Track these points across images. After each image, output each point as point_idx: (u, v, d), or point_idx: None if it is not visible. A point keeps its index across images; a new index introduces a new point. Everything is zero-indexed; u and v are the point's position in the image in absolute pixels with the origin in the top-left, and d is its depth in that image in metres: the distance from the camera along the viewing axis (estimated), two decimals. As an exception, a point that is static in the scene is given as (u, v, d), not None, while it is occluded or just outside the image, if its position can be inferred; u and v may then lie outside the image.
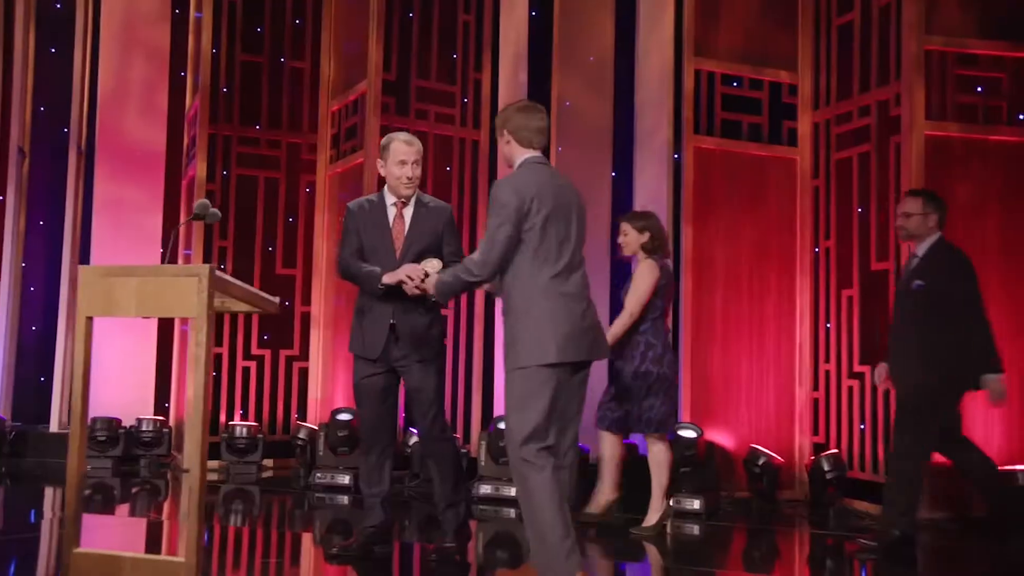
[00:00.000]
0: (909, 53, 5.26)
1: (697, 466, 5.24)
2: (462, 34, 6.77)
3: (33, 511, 5.47)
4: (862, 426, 5.56)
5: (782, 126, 6.02)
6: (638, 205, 6.29)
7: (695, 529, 4.97)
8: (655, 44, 6.21)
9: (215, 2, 6.82)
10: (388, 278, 3.72)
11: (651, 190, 6.18)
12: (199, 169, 6.73)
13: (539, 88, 6.57)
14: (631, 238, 4.65)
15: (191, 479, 2.81)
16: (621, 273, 6.36)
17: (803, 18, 6.05)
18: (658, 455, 4.58)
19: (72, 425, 2.99)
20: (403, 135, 3.97)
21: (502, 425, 5.67)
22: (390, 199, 3.94)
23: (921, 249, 4.38)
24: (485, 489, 5.53)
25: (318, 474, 5.85)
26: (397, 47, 6.54)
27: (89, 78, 7.63)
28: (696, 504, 5.12)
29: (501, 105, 6.75)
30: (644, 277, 4.56)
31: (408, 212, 3.91)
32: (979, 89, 5.44)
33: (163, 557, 2.89)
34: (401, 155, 3.86)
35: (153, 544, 4.55)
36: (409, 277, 3.62)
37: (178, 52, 7.60)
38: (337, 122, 7.01)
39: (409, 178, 3.87)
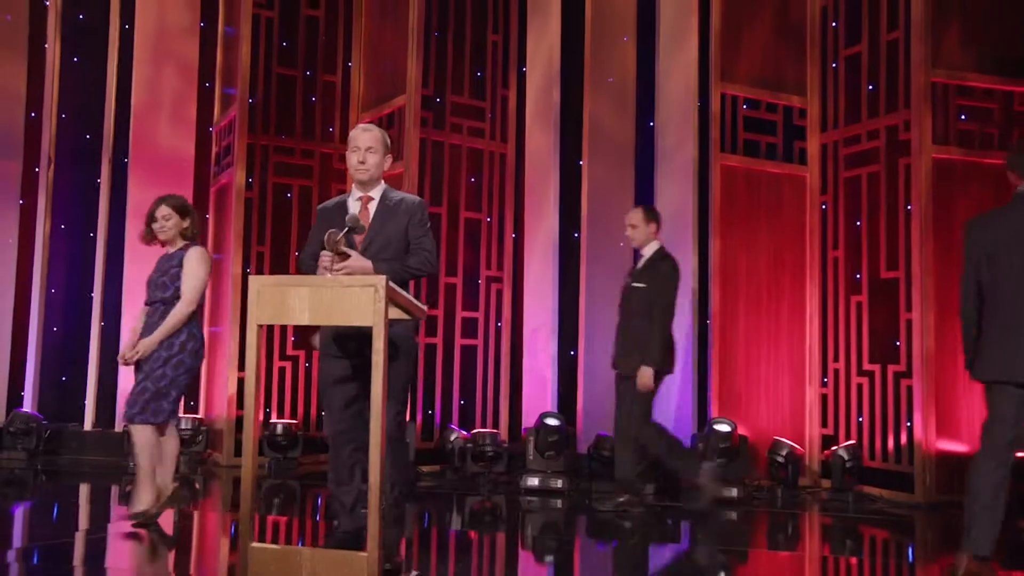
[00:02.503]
0: (918, 85, 5.57)
1: (732, 457, 5.45)
2: (491, 53, 6.88)
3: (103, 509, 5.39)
4: (860, 419, 5.85)
5: (793, 146, 6.30)
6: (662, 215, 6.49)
7: (732, 515, 5.17)
8: (678, 67, 6.41)
9: (253, 18, 6.78)
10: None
11: (675, 203, 6.37)
12: (238, 177, 6.68)
13: (567, 106, 6.72)
14: (172, 223, 4.41)
15: (371, 476, 2.86)
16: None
17: (811, 49, 6.34)
18: (148, 444, 4.26)
19: (245, 427, 3.01)
20: (363, 124, 3.69)
21: (549, 421, 5.81)
22: (355, 194, 3.66)
23: None
24: (532, 481, 5.65)
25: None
26: (434, 64, 6.61)
27: (117, 88, 7.50)
28: (734, 492, 5.34)
29: (528, 119, 6.90)
30: (203, 264, 4.37)
31: (373, 207, 3.60)
32: (963, 117, 5.76)
33: (345, 551, 2.93)
34: (354, 142, 3.60)
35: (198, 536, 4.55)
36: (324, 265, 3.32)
37: (205, 64, 7.54)
38: (368, 134, 7.02)
39: (361, 162, 3.56)
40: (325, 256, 3.30)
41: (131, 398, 4.30)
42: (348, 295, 2.96)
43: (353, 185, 3.71)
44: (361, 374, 3.52)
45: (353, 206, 3.64)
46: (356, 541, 3.48)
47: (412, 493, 3.91)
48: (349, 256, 3.33)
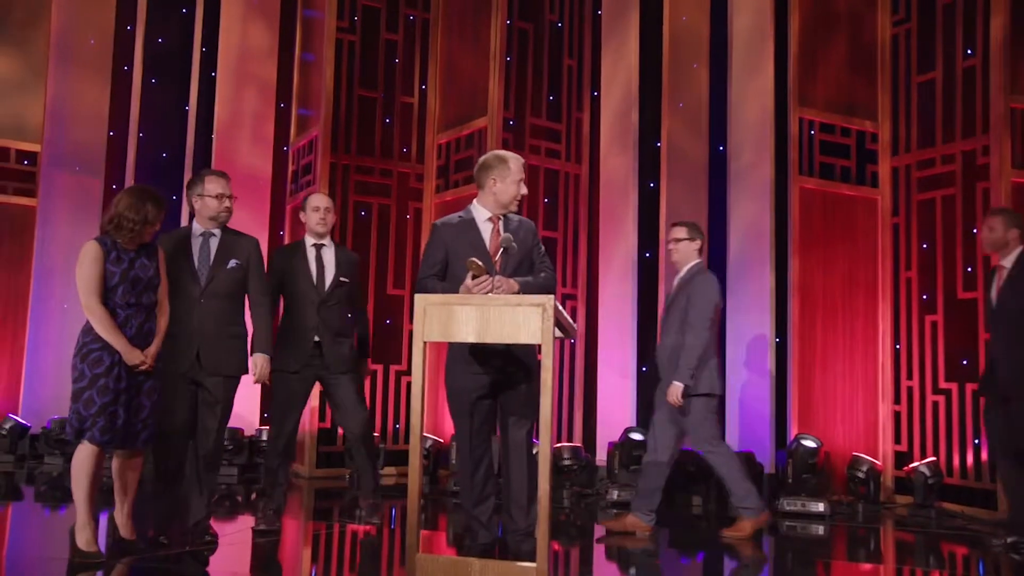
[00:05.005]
0: (997, 111, 5.58)
1: (818, 473, 5.42)
2: (566, 77, 6.92)
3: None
4: (937, 435, 5.82)
5: (866, 169, 6.30)
6: (734, 234, 6.49)
7: (819, 530, 5.13)
8: (753, 92, 6.43)
9: (336, 42, 6.83)
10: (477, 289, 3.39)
11: (749, 222, 6.37)
12: (321, 196, 6.70)
13: (641, 128, 6.75)
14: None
15: (541, 495, 2.85)
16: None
17: (882, 75, 6.35)
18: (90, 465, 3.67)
19: (411, 442, 3.01)
20: (518, 156, 3.82)
21: (634, 436, 5.80)
22: (483, 214, 3.70)
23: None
24: (616, 494, 5.63)
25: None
26: (514, 87, 6.65)
27: (196, 108, 7.57)
28: (821, 507, 5.31)
29: (603, 141, 6.93)
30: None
31: (501, 227, 3.70)
32: None
33: (514, 563, 2.92)
34: (518, 173, 3.73)
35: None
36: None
37: (282, 86, 7.61)
38: (444, 154, 7.07)
39: (523, 195, 3.77)
40: (483, 282, 3.34)
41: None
42: (516, 314, 2.97)
43: (475, 204, 3.75)
44: (496, 391, 3.55)
45: (484, 227, 3.68)
46: (493, 551, 3.54)
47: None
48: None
